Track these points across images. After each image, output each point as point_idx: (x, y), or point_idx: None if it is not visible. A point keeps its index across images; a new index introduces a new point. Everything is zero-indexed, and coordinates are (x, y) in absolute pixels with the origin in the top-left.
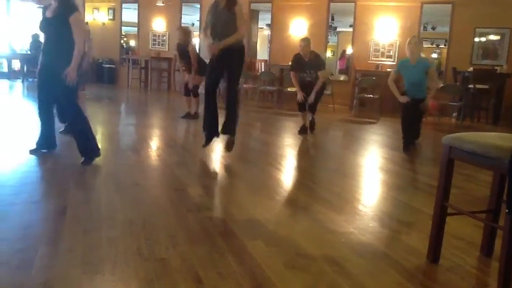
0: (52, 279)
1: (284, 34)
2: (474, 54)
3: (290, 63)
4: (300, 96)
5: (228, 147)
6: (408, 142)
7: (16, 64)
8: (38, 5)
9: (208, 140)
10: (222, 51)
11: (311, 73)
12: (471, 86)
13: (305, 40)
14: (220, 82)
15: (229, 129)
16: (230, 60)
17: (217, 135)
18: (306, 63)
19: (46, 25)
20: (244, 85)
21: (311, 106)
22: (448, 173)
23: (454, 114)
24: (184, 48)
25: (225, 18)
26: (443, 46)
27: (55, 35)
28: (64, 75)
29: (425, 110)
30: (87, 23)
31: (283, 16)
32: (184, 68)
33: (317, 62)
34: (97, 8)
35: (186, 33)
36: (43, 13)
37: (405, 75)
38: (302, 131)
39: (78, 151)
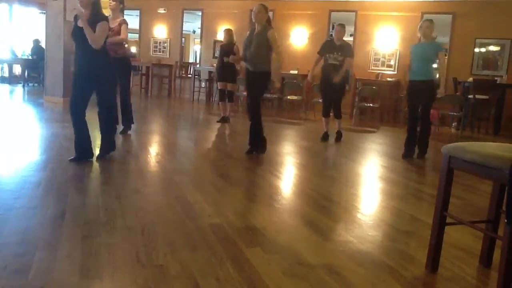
0: (49, 285)
1: (284, 43)
2: (474, 64)
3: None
4: (309, 77)
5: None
6: (411, 146)
7: (17, 69)
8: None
9: (250, 150)
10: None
11: (339, 55)
12: (471, 96)
13: (342, 26)
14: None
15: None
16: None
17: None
18: (336, 46)
19: (80, 34)
20: (244, 93)
21: (336, 109)
22: (447, 183)
23: (454, 124)
24: (229, 49)
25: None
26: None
27: (87, 42)
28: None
29: (434, 95)
30: None
31: (284, 25)
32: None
33: (347, 48)
34: None
35: (232, 34)
36: (75, 23)
37: (415, 53)
38: (325, 138)
39: (101, 146)
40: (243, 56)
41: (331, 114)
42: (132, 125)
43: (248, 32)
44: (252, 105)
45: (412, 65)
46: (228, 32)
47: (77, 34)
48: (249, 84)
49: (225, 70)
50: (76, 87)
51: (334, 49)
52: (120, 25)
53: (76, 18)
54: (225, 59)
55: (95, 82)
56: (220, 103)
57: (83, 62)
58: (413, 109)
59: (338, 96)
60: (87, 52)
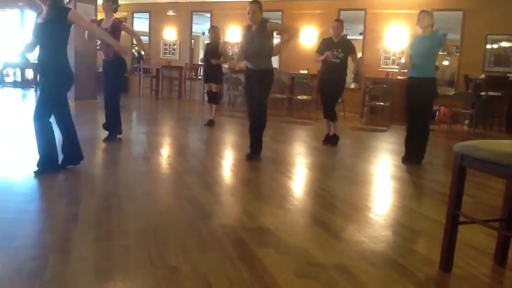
0: (63, 287)
1: (294, 42)
2: (486, 61)
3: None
4: (329, 53)
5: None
6: (411, 148)
7: (29, 74)
8: (35, 12)
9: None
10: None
11: (339, 52)
12: (483, 93)
13: (340, 21)
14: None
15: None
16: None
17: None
18: (335, 43)
19: (40, 30)
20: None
21: (330, 111)
22: (460, 181)
23: (466, 122)
24: (214, 48)
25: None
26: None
27: (51, 38)
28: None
29: (434, 94)
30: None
31: (293, 24)
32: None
33: (347, 44)
34: None
35: (218, 32)
36: (36, 21)
37: (415, 48)
38: (327, 140)
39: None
40: (242, 55)
41: None
42: (119, 134)
43: (243, 29)
44: (258, 106)
45: (413, 61)
46: (214, 30)
47: (38, 31)
48: (252, 84)
49: (210, 71)
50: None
51: (334, 47)
52: (113, 26)
53: (37, 16)
54: (213, 61)
55: (47, 81)
56: (210, 104)
57: (46, 60)
58: (410, 108)
59: (334, 96)
60: (50, 49)
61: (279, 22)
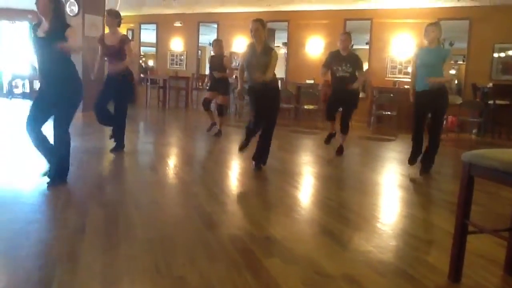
0: None
1: (300, 52)
2: (493, 69)
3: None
4: (322, 72)
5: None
6: (417, 152)
7: (38, 85)
8: (34, 21)
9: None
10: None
11: (348, 67)
12: (491, 102)
13: (348, 34)
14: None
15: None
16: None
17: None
18: (344, 57)
19: (44, 44)
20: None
21: (344, 122)
22: (468, 191)
23: (474, 131)
24: (218, 61)
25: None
26: (462, 62)
27: (54, 54)
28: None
29: (445, 105)
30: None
31: (299, 34)
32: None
33: (356, 59)
34: None
35: (222, 45)
36: (34, 34)
37: (421, 59)
38: (329, 139)
39: (50, 172)
40: (241, 75)
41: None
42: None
43: (248, 48)
44: (270, 123)
45: (418, 73)
46: (218, 43)
47: (38, 45)
48: (261, 102)
49: (216, 82)
50: (37, 104)
51: (342, 61)
52: (121, 42)
53: (35, 28)
54: (215, 74)
55: (61, 95)
56: (206, 112)
57: (55, 74)
58: (418, 121)
59: (350, 108)
60: (59, 62)
61: (285, 33)
